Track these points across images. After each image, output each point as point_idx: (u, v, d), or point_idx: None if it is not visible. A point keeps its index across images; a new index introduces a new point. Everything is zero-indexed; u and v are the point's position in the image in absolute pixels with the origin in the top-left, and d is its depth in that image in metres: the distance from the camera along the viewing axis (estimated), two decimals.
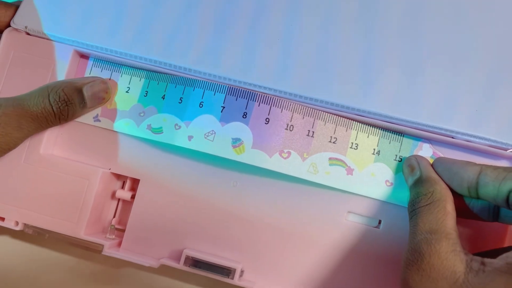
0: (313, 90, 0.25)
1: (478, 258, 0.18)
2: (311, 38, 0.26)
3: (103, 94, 0.26)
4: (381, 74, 0.25)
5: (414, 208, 0.21)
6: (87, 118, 0.27)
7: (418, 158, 0.24)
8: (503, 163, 0.24)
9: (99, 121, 0.27)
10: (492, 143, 0.24)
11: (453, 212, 0.20)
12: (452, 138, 0.24)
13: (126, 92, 0.27)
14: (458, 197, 0.22)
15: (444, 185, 0.22)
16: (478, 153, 0.25)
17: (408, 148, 0.25)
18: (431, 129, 0.24)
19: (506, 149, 0.24)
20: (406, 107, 0.25)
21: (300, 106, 0.25)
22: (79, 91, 0.25)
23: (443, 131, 0.24)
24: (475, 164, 0.22)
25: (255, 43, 0.26)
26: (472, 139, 0.24)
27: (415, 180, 0.23)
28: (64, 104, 0.24)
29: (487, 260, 0.18)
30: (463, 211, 0.22)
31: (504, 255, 0.18)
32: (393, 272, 0.25)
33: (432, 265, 0.18)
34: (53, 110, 0.23)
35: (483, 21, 0.25)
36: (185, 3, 0.27)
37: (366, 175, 0.25)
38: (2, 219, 0.26)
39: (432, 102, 0.25)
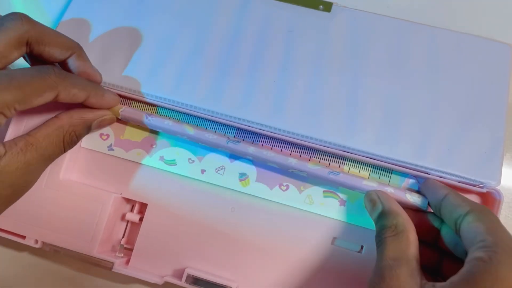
0: (305, 127, 0.28)
1: (431, 283, 0.21)
2: (303, 81, 0.29)
3: (107, 125, 0.29)
4: (365, 116, 0.28)
5: (381, 239, 0.23)
6: (102, 147, 0.30)
7: (378, 192, 0.26)
8: (472, 198, 0.27)
9: (113, 150, 0.30)
10: (462, 179, 0.27)
11: (415, 241, 0.23)
12: (427, 174, 0.27)
13: (138, 125, 0.30)
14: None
15: (406, 216, 0.24)
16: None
17: (396, 183, 0.28)
18: (408, 165, 0.27)
19: (474, 185, 0.27)
20: (387, 145, 0.27)
21: (297, 147, 0.29)
22: (88, 127, 0.27)
23: (418, 167, 0.27)
24: (445, 188, 0.25)
25: (254, 85, 0.29)
26: (444, 175, 0.27)
27: (378, 214, 0.25)
28: (74, 144, 0.26)
29: (438, 283, 0.20)
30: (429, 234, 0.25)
31: (451, 277, 0.20)
32: None
33: (391, 287, 0.21)
34: (64, 151, 0.26)
35: (455, 68, 0.29)
36: (191, 48, 0.30)
37: (358, 207, 0.28)
38: (23, 237, 0.29)
39: (410, 141, 0.28)
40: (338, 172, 0.27)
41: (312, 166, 0.27)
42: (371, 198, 0.26)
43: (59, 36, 0.25)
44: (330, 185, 0.29)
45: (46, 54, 0.24)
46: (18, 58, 0.24)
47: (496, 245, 0.20)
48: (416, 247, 0.23)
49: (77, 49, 0.26)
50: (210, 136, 0.28)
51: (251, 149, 0.27)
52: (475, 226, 0.21)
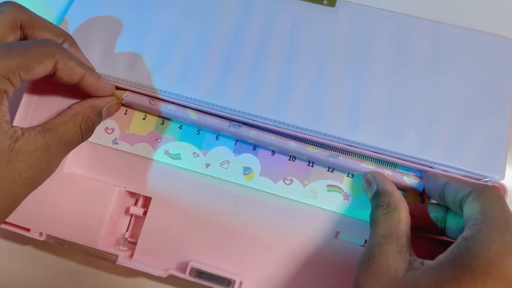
0: (308, 121, 0.28)
1: (420, 260, 0.21)
2: (307, 75, 0.29)
3: (114, 112, 0.29)
4: (369, 110, 0.28)
5: (373, 218, 0.24)
6: (106, 141, 0.30)
7: (373, 173, 0.27)
8: None
9: (117, 144, 0.30)
10: (466, 173, 0.27)
11: (406, 219, 0.23)
12: (431, 168, 0.27)
13: (143, 119, 0.30)
14: (421, 209, 0.26)
15: (399, 196, 0.25)
16: None
17: None
18: (412, 159, 0.27)
19: (479, 179, 0.27)
20: (391, 139, 0.27)
21: (301, 141, 0.28)
22: (100, 114, 0.28)
23: (422, 161, 0.27)
24: (446, 175, 0.26)
25: (257, 79, 0.29)
26: (448, 169, 0.27)
27: (373, 194, 0.25)
28: (90, 131, 0.27)
29: (426, 260, 0.20)
30: (425, 222, 0.25)
31: (439, 256, 0.20)
32: None
33: (379, 264, 0.21)
34: (82, 139, 0.26)
35: (459, 63, 0.29)
36: (196, 43, 0.30)
37: (362, 201, 0.28)
38: (28, 230, 0.29)
39: (414, 135, 0.28)
40: (337, 155, 0.27)
41: (312, 149, 0.27)
42: (367, 179, 0.27)
43: (50, 23, 0.26)
44: (334, 179, 0.29)
45: (40, 39, 0.25)
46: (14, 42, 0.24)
47: (482, 222, 0.20)
48: (407, 225, 0.23)
49: (68, 37, 0.27)
50: (212, 120, 0.28)
51: (252, 133, 0.28)
52: (472, 205, 0.21)
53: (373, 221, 0.24)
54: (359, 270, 0.22)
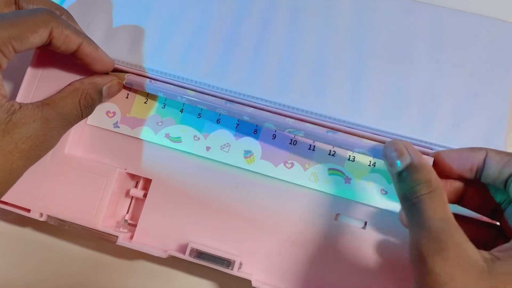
0: (309, 103, 0.28)
1: (482, 250, 0.19)
2: (308, 57, 0.29)
3: (116, 92, 0.29)
4: (370, 92, 0.28)
5: (415, 196, 0.20)
6: (107, 124, 0.30)
7: (405, 143, 0.23)
8: None
9: (118, 127, 0.30)
10: None
11: (447, 202, 0.21)
12: (431, 149, 0.27)
13: (144, 103, 0.30)
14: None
15: (436, 174, 0.21)
16: None
17: None
18: (412, 141, 0.27)
19: None
20: (390, 121, 0.28)
21: None
22: (100, 92, 0.28)
23: (423, 143, 0.27)
24: (481, 148, 0.23)
25: (259, 61, 0.29)
26: None
27: (406, 166, 0.21)
28: (90, 108, 0.27)
29: (495, 252, 0.19)
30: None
31: None
32: (376, 267, 0.27)
33: (457, 253, 0.18)
34: (81, 115, 0.26)
35: (460, 46, 0.29)
36: (197, 24, 0.30)
37: (363, 184, 0.28)
38: (28, 210, 0.29)
39: (414, 117, 0.28)
40: (336, 131, 0.27)
41: (310, 124, 0.27)
42: (397, 148, 0.22)
43: None
44: (335, 163, 0.29)
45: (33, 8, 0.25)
46: None
47: None
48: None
49: (64, 10, 0.27)
50: (209, 98, 0.28)
51: (249, 109, 0.28)
52: None
53: (416, 199, 0.20)
54: (430, 258, 0.19)
